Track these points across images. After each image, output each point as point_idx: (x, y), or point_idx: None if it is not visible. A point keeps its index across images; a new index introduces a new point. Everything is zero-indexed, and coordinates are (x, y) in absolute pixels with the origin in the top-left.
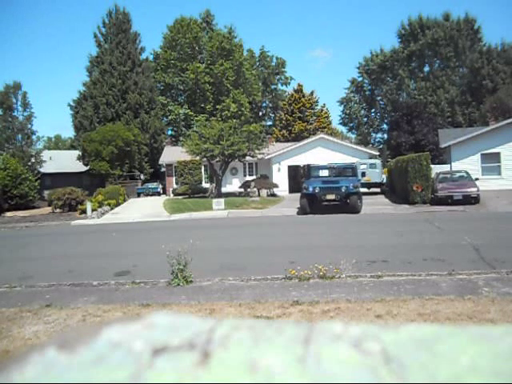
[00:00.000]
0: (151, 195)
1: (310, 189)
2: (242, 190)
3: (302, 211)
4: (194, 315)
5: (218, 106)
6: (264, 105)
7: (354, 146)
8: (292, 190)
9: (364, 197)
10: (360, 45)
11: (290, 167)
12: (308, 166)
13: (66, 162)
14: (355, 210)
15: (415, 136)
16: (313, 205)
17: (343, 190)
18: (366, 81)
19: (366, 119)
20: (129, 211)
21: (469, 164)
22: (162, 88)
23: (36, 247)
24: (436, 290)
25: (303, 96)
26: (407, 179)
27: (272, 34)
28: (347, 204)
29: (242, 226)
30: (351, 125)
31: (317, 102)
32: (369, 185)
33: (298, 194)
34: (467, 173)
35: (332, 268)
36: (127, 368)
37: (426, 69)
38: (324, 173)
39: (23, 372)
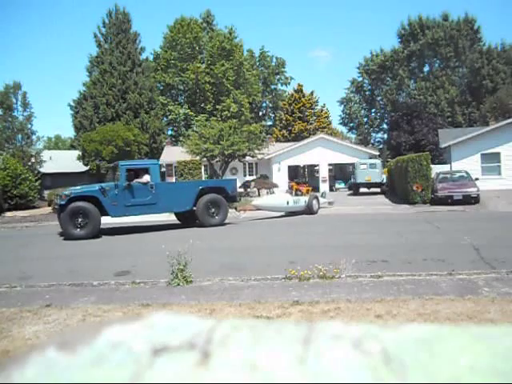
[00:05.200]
0: None
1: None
2: (242, 189)
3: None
4: (194, 315)
5: (218, 106)
6: (264, 105)
7: (354, 146)
8: None
9: (364, 197)
10: (360, 45)
11: (289, 167)
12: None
13: (66, 162)
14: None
15: (415, 136)
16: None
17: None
18: (366, 81)
19: (366, 119)
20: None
21: (469, 164)
22: (161, 88)
23: (36, 247)
24: (436, 290)
25: (303, 96)
26: (407, 179)
27: (272, 34)
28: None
29: (240, 226)
30: (351, 125)
31: (317, 102)
32: (369, 185)
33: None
34: (467, 173)
35: (332, 268)
36: (127, 368)
37: (426, 69)
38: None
39: (23, 372)
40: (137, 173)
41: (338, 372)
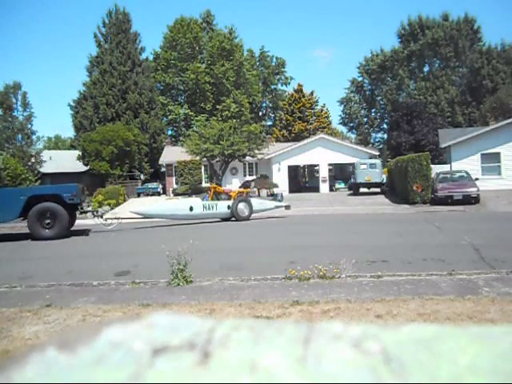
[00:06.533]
0: (151, 195)
1: None
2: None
3: None
4: (194, 315)
5: (218, 106)
6: (264, 105)
7: (354, 146)
8: (292, 189)
9: (364, 197)
10: (360, 45)
11: (290, 167)
12: None
13: (66, 162)
14: None
15: (415, 136)
16: None
17: None
18: (366, 81)
19: (366, 119)
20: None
21: (469, 164)
22: (162, 88)
23: (36, 247)
24: (436, 289)
25: (303, 96)
26: (407, 179)
27: (272, 34)
28: None
29: (241, 226)
30: (351, 125)
31: (317, 101)
32: (369, 185)
33: (299, 194)
34: (467, 173)
35: (332, 268)
36: (127, 368)
37: (426, 69)
38: None
39: (23, 372)
40: None
41: (338, 372)
